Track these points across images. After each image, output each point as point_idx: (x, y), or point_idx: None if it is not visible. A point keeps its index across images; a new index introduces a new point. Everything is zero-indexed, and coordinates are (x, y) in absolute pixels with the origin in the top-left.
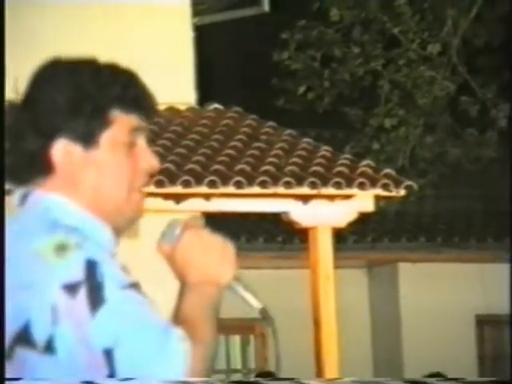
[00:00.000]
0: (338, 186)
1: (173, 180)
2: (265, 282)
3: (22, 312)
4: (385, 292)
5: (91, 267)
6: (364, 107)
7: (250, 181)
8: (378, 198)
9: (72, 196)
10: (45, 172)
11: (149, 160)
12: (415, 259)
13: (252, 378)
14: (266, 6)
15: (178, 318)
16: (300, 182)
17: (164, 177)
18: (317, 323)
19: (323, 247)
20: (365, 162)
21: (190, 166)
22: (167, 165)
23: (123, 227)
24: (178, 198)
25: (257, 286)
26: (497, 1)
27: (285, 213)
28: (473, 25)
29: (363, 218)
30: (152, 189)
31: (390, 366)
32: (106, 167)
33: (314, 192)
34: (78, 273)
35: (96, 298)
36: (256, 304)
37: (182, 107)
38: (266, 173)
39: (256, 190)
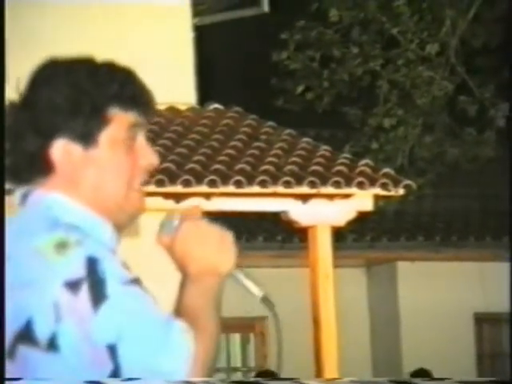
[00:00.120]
0: (337, 185)
1: (173, 179)
2: (264, 280)
3: (23, 310)
4: (383, 291)
5: (92, 264)
6: (363, 107)
7: (250, 180)
8: (376, 197)
9: (72, 194)
10: (45, 171)
11: (148, 157)
12: (414, 258)
13: (252, 378)
14: (266, 7)
15: (179, 309)
16: (299, 181)
17: (164, 176)
18: (316, 322)
19: (322, 246)
20: (364, 162)
21: (191, 165)
22: (168, 164)
23: (124, 224)
24: (178, 198)
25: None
26: (495, 1)
27: (284, 212)
28: (471, 25)
29: (362, 217)
30: (152, 188)
31: (389, 365)
32: (105, 165)
33: (314, 191)
34: (79, 270)
35: (98, 294)
36: (257, 292)
37: (183, 107)
38: (265, 172)
39: (256, 189)
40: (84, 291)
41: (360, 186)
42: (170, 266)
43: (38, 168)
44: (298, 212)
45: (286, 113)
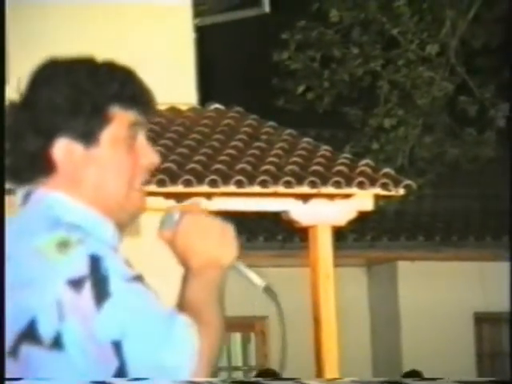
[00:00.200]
0: (337, 185)
1: (174, 179)
2: (265, 280)
3: (26, 310)
4: (384, 290)
5: (95, 262)
6: (363, 107)
7: (251, 180)
8: (377, 197)
9: (74, 194)
10: (47, 171)
11: (149, 156)
12: (414, 258)
13: (253, 376)
14: (267, 7)
15: (183, 304)
16: (300, 181)
17: (165, 176)
18: (317, 321)
19: (323, 246)
20: (364, 162)
21: (192, 165)
22: (169, 164)
23: (125, 222)
24: (179, 197)
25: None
26: (495, 2)
27: (285, 212)
28: (471, 26)
29: (363, 217)
30: (154, 188)
31: (389, 364)
32: (106, 164)
33: (314, 191)
34: (81, 268)
35: (101, 291)
36: (259, 282)
37: (184, 107)
38: (266, 172)
39: (256, 189)
40: (87, 289)
41: (360, 185)
42: (171, 266)
43: (39, 168)
44: (299, 212)
45: (287, 113)
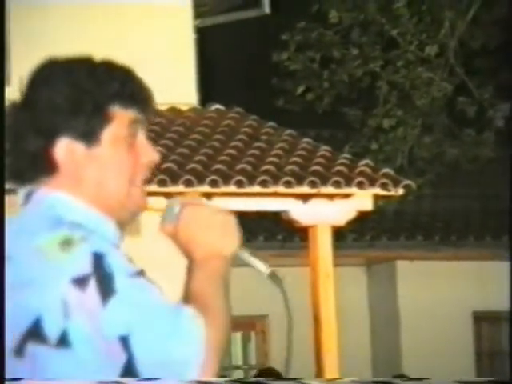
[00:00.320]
0: (337, 185)
1: (175, 179)
2: (265, 280)
3: (31, 309)
4: (383, 290)
5: (98, 259)
6: (363, 108)
7: (251, 180)
8: (376, 197)
9: (76, 193)
10: (48, 171)
11: (149, 154)
12: (413, 257)
13: (253, 376)
14: (267, 8)
15: (188, 297)
16: (300, 181)
17: (166, 176)
18: (317, 321)
19: (323, 245)
20: (364, 162)
21: (192, 165)
22: (169, 164)
23: (127, 221)
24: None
25: (257, 284)
26: (494, 3)
27: (285, 211)
28: (470, 27)
29: (362, 217)
30: (154, 188)
31: (389, 363)
32: (107, 163)
33: (314, 191)
34: (85, 266)
35: (106, 288)
36: (264, 269)
37: (184, 108)
38: (266, 172)
39: (256, 189)
40: (92, 286)
41: (360, 185)
42: (171, 265)
43: (41, 167)
44: (299, 211)
45: (287, 113)
